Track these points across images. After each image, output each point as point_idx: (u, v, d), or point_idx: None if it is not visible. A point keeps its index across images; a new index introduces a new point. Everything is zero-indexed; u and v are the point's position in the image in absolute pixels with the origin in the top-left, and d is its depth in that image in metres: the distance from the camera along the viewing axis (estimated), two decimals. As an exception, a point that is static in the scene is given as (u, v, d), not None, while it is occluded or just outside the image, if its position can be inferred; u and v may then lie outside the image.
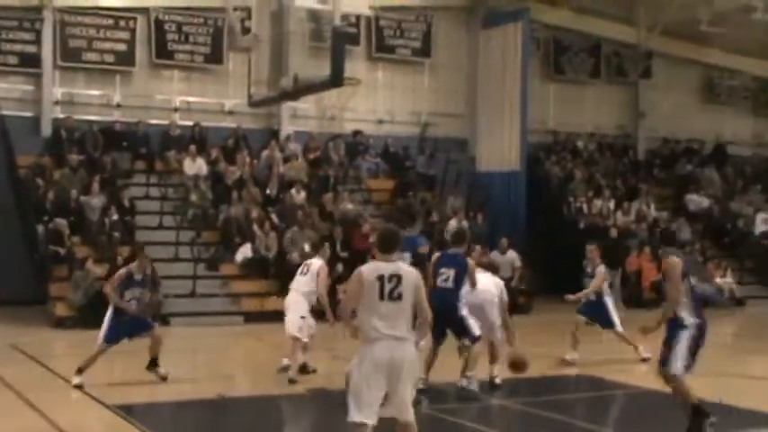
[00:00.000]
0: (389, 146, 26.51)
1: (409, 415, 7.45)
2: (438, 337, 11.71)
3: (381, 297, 7.34)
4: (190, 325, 18.58)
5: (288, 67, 15.53)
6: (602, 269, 14.55)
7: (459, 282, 11.52)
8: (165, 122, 24.30)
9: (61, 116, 23.41)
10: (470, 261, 12.01)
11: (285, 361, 12.81)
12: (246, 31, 18.48)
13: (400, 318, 7.38)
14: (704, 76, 31.83)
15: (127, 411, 10.64)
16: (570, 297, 14.76)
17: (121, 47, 23.98)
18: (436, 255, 12.41)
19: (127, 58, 24.06)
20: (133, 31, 24.04)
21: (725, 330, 21.80)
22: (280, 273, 20.06)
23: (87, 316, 18.53)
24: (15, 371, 13.56)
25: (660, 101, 30.72)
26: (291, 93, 16.36)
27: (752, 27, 28.51)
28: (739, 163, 31.58)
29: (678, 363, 9.24)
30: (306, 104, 23.44)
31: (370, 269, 7.49)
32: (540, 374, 13.03)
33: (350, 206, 23.52)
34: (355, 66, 23.09)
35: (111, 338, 12.23)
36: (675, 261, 9.38)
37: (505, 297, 12.60)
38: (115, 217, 20.94)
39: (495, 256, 16.12)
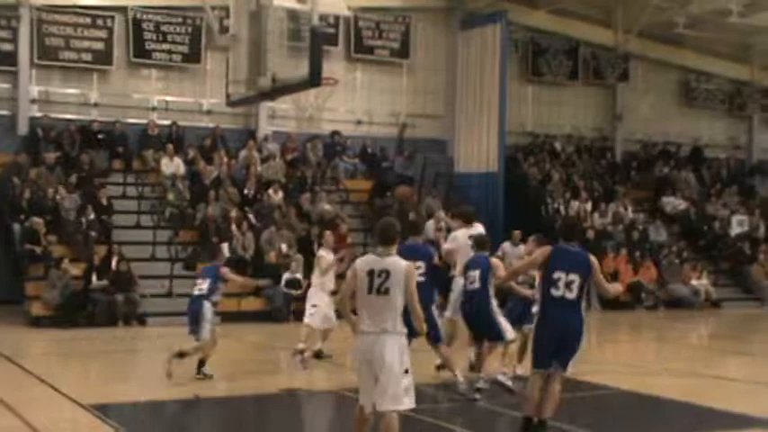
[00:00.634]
0: (367, 146, 26.53)
1: (387, 405, 7.50)
2: (478, 338, 11.83)
3: (370, 291, 7.57)
4: (166, 325, 18.48)
5: (266, 66, 15.49)
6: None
7: (485, 281, 11.62)
8: (143, 121, 24.23)
9: (38, 115, 23.30)
10: (493, 260, 12.10)
11: (300, 345, 13.80)
12: (225, 30, 18.45)
13: (385, 312, 7.54)
14: (681, 79, 32.03)
15: (102, 411, 10.57)
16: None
17: (99, 45, 23.88)
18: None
19: (104, 57, 23.96)
20: (111, 29, 23.94)
21: (700, 332, 22.11)
22: (257, 273, 20.03)
23: (63, 315, 18.51)
24: (-10, 370, 13.48)
25: (637, 103, 30.91)
26: (269, 92, 16.30)
27: (727, 30, 28.76)
28: (715, 166, 31.85)
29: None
30: (284, 105, 23.45)
31: (363, 263, 7.71)
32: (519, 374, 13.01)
33: (327, 207, 23.53)
34: (334, 66, 23.13)
35: None
36: (545, 249, 9.15)
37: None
38: (92, 216, 20.86)
39: (506, 247, 16.10)
